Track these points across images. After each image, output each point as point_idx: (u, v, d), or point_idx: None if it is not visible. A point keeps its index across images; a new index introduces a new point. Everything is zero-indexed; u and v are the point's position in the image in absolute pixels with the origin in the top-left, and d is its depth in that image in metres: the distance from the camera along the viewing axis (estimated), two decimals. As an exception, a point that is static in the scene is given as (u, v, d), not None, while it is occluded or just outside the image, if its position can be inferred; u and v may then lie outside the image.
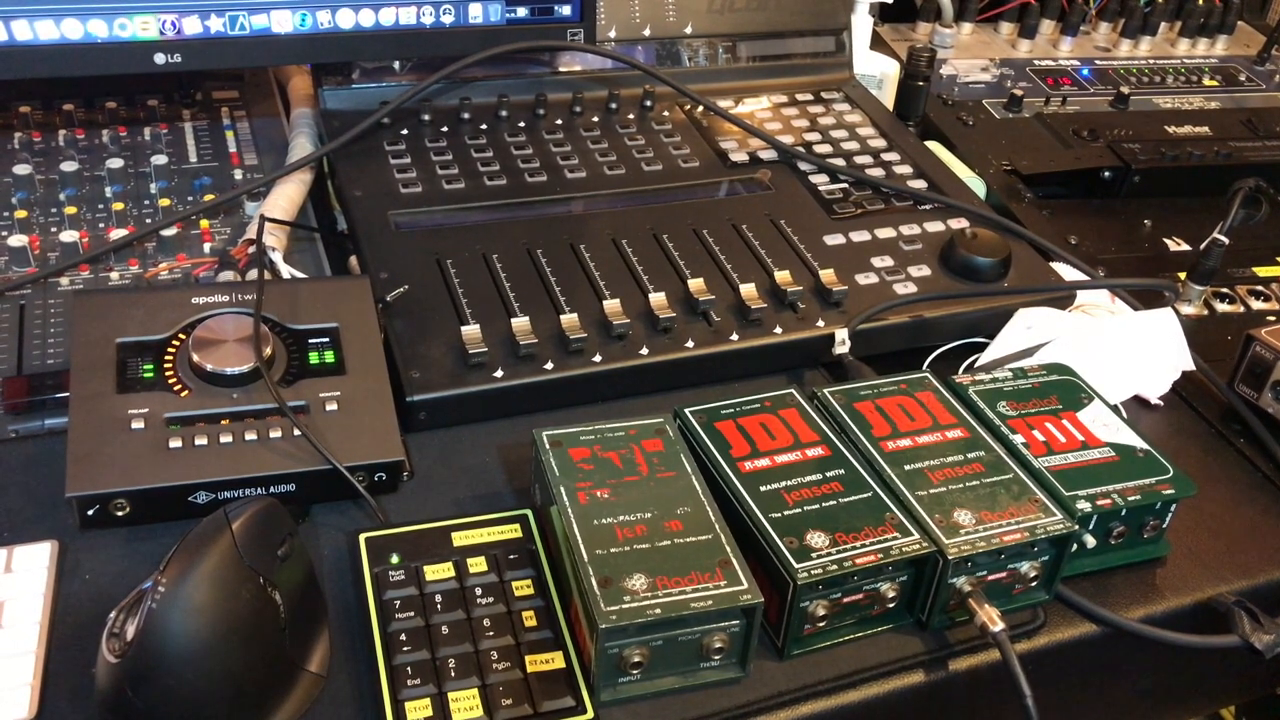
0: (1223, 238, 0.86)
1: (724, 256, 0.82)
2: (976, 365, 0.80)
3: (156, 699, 0.49)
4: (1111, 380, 0.76)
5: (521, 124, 0.95)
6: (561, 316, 0.74)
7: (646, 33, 1.01)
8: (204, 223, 0.82)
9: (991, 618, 0.57)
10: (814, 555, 0.56)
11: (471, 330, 0.72)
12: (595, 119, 0.97)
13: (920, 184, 0.94)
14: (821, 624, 0.58)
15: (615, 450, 0.62)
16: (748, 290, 0.78)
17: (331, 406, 0.64)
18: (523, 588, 0.58)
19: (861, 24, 1.11)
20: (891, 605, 0.60)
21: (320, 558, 0.62)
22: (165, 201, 0.83)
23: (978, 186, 1.00)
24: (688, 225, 0.85)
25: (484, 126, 0.94)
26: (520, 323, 0.73)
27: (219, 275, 0.77)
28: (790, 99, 1.04)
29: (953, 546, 0.58)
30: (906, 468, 0.63)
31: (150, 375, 0.64)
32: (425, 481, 0.67)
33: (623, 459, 0.61)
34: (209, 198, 0.84)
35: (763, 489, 0.60)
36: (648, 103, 0.99)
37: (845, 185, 0.92)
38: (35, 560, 0.58)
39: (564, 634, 0.57)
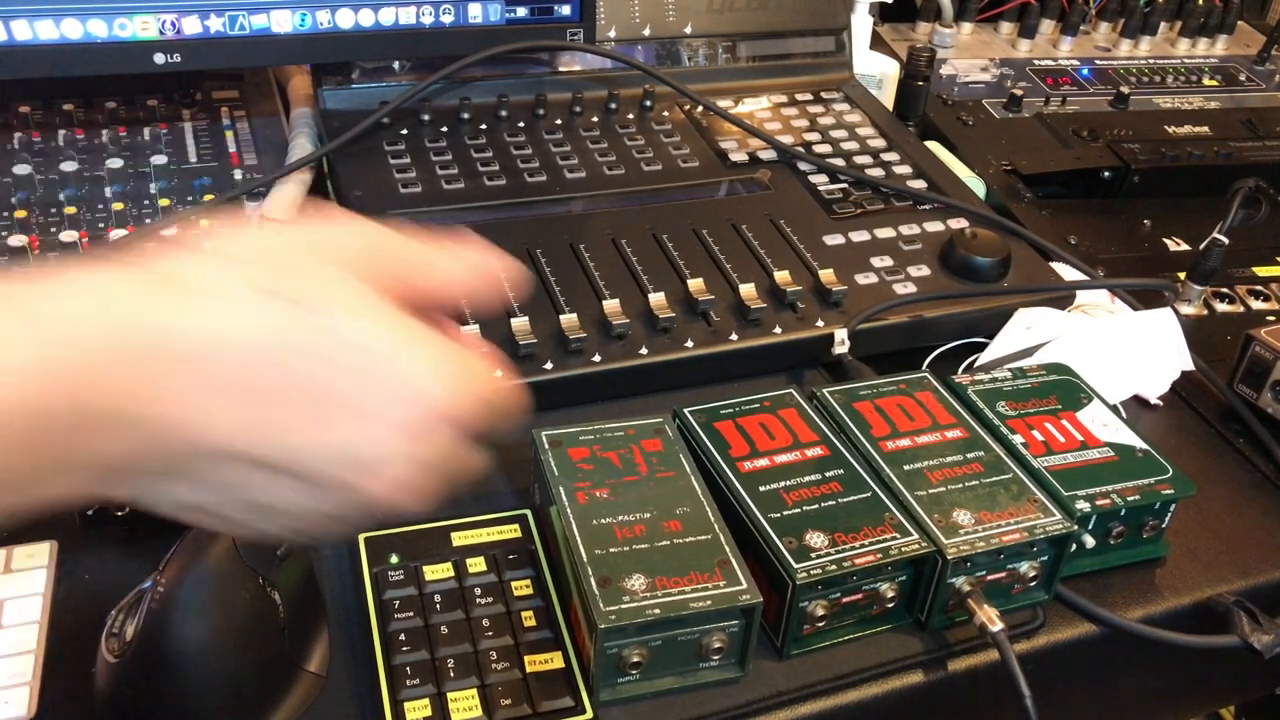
0: (1222, 238, 0.86)
1: (724, 256, 0.82)
2: (976, 365, 0.80)
3: (156, 699, 0.49)
4: (1111, 380, 0.76)
5: (521, 124, 0.95)
6: (561, 316, 0.74)
7: (646, 33, 1.01)
8: (204, 223, 0.82)
9: (991, 618, 0.57)
10: (813, 555, 0.56)
11: (471, 330, 0.72)
12: (595, 119, 0.97)
13: (920, 184, 0.94)
14: (820, 624, 0.58)
15: (614, 450, 0.62)
16: (747, 290, 0.78)
17: (331, 406, 0.64)
18: (522, 588, 0.58)
19: (861, 24, 1.11)
20: (890, 605, 0.60)
21: (320, 558, 0.62)
22: (165, 201, 0.83)
23: (977, 186, 1.00)
24: (687, 225, 0.85)
25: (484, 126, 0.94)
26: (519, 322, 0.73)
27: (219, 275, 0.77)
28: (790, 99, 1.04)
29: (952, 546, 0.57)
30: (906, 468, 0.63)
31: (150, 375, 0.64)
32: (425, 481, 0.67)
33: (622, 459, 0.61)
34: (209, 198, 0.84)
35: (762, 489, 0.60)
36: (647, 103, 0.99)
37: (845, 185, 0.92)
38: (35, 560, 0.58)
39: (563, 634, 0.57)
